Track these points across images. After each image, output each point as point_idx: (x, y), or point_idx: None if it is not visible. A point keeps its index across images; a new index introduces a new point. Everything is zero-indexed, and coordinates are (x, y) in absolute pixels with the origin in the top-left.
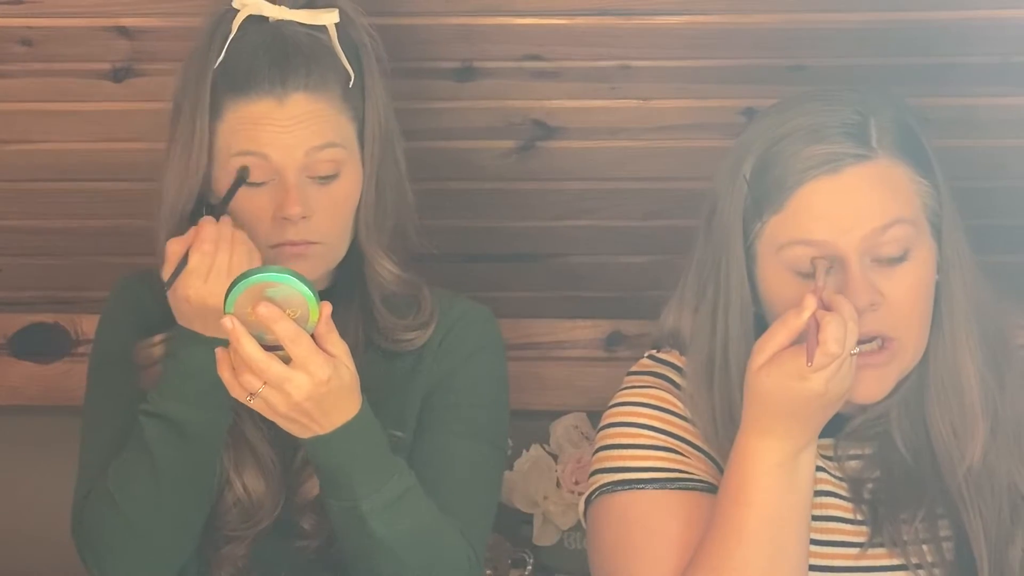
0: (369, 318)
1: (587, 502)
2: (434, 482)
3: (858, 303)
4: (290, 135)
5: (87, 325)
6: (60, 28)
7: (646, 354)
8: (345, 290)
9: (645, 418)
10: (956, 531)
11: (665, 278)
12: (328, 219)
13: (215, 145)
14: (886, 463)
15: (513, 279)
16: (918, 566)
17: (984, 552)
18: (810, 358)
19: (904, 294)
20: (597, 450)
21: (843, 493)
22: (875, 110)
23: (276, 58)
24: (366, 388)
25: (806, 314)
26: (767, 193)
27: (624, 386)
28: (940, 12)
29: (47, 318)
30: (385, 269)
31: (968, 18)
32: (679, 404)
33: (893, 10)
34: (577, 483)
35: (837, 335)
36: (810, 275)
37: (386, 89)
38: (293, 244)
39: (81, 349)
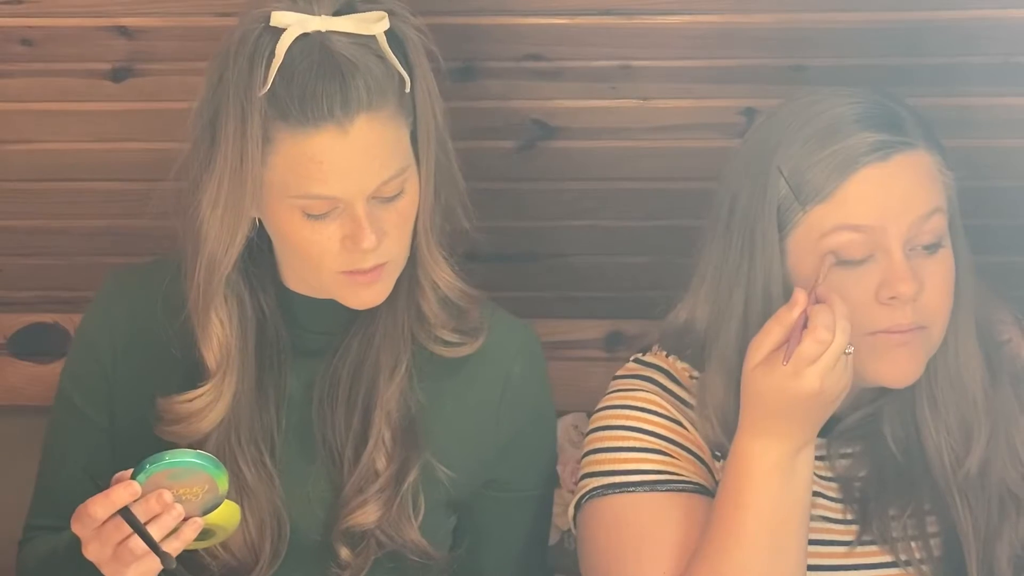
0: (419, 314)
1: (576, 507)
2: (506, 550)
3: (904, 291)
4: (357, 169)
5: None
6: (60, 28)
7: (632, 357)
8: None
9: (633, 420)
10: (943, 527)
11: (665, 278)
12: (397, 237)
13: (265, 177)
14: (876, 460)
15: (513, 279)
16: (907, 563)
17: (973, 548)
18: (787, 357)
19: (938, 284)
20: (586, 454)
21: (830, 493)
22: (894, 104)
23: (331, 80)
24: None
25: (797, 309)
26: (809, 183)
27: (611, 389)
28: (940, 12)
29: (47, 318)
30: (442, 277)
31: (968, 18)
32: (667, 406)
33: (893, 10)
34: (577, 483)
35: (826, 322)
36: (850, 263)
37: (434, 82)
38: (365, 272)
39: None
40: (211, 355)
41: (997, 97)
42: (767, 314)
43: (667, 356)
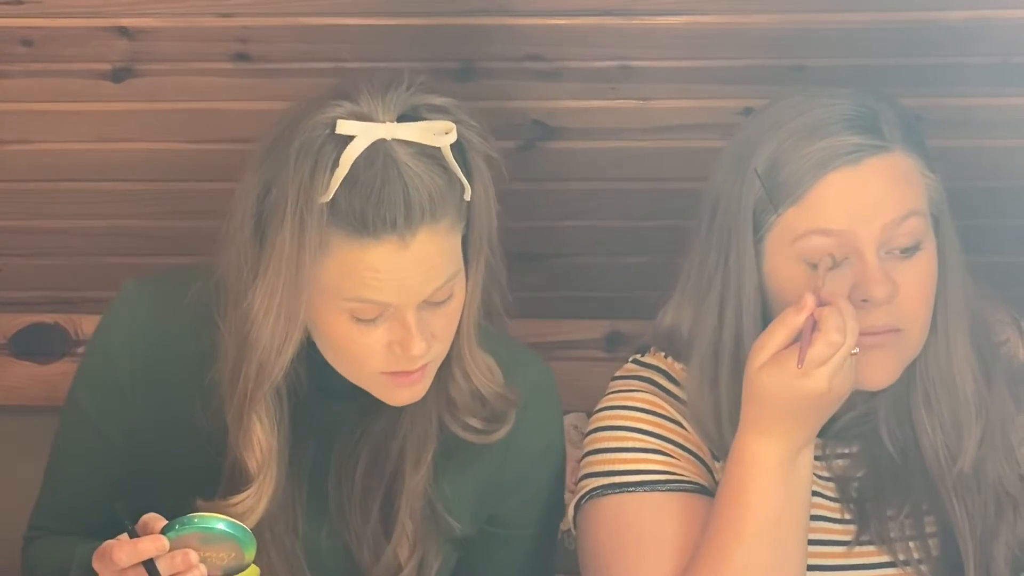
0: (448, 402)
1: (576, 507)
2: None
3: (877, 294)
4: (413, 279)
5: (87, 325)
6: (60, 28)
7: (631, 358)
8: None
9: (633, 421)
10: (941, 527)
11: (665, 278)
12: (443, 340)
13: (317, 276)
14: (873, 460)
15: (513, 279)
16: (905, 563)
17: (970, 547)
18: (801, 360)
19: (915, 287)
20: (585, 455)
21: (828, 493)
22: (877, 105)
23: (395, 191)
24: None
25: (805, 312)
26: (783, 185)
27: (610, 390)
28: (940, 12)
29: (47, 318)
30: (479, 378)
31: (968, 18)
32: (666, 406)
33: (893, 10)
34: (577, 484)
35: (837, 324)
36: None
37: (492, 187)
38: (408, 374)
39: (81, 349)
40: (252, 460)
41: (997, 97)
42: (739, 316)
43: (665, 357)
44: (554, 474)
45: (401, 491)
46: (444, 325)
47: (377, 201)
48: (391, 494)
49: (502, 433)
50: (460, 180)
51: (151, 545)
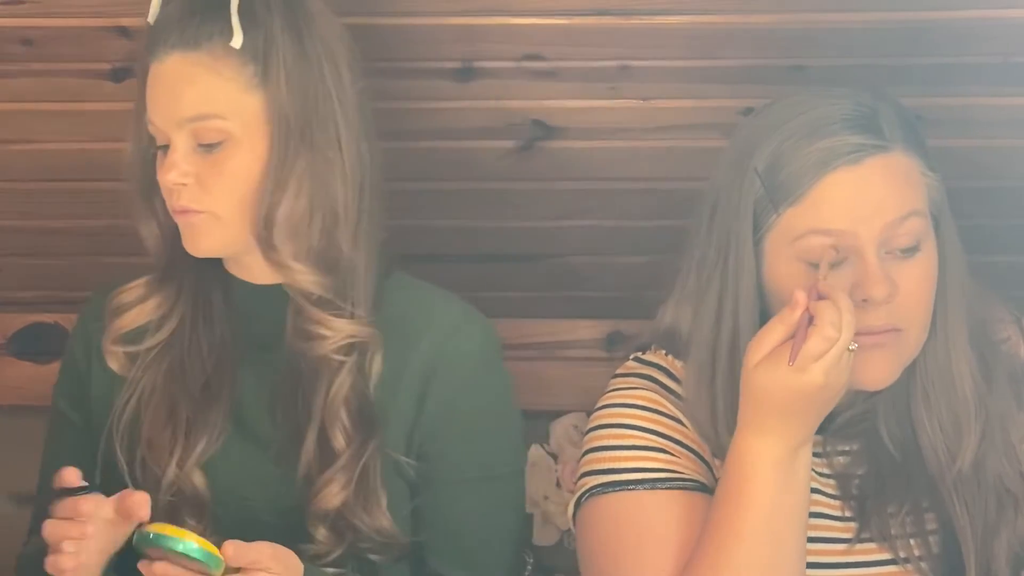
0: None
1: (576, 505)
2: (452, 539)
3: (876, 294)
4: (167, 99)
5: None
6: (60, 28)
7: (631, 356)
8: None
9: (633, 419)
10: (942, 524)
11: (665, 278)
12: (213, 189)
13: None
14: (873, 458)
15: (513, 279)
16: (906, 560)
17: (971, 545)
18: (793, 356)
19: (915, 286)
20: (585, 452)
21: (828, 491)
22: (877, 105)
23: (163, 18)
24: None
25: (799, 309)
26: (783, 185)
27: (610, 388)
28: (940, 12)
29: (47, 318)
30: (297, 278)
31: (968, 18)
32: (667, 404)
33: (893, 10)
34: (576, 482)
35: (832, 318)
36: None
37: (310, 70)
38: (184, 212)
39: None
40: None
41: (997, 97)
42: (736, 315)
43: (666, 354)
44: (488, 419)
45: (328, 391)
46: (212, 173)
47: (159, 24)
48: (317, 398)
49: (345, 332)
50: (232, 24)
51: (89, 504)
